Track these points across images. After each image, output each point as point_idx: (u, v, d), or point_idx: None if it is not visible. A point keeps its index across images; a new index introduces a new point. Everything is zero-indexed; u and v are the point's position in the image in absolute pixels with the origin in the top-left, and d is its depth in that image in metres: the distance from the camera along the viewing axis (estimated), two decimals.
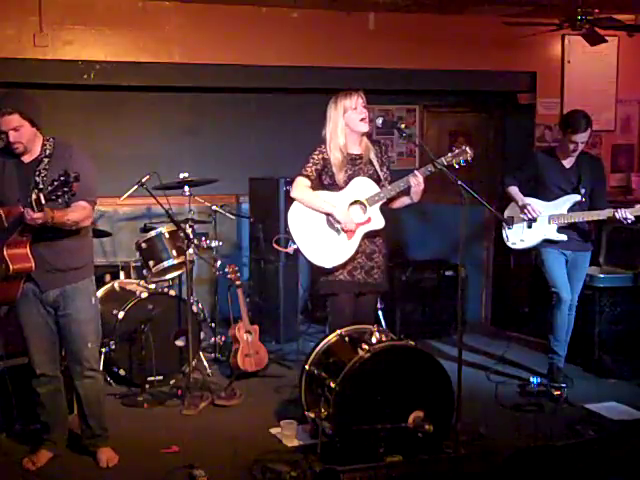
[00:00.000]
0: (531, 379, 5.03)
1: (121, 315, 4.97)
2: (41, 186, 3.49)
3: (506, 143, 7.50)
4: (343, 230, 4.28)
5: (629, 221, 4.79)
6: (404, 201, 4.38)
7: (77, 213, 3.58)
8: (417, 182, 4.21)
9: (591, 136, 5.03)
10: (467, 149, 4.16)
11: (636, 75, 7.27)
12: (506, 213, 5.15)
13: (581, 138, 4.85)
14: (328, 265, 4.34)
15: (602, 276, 5.46)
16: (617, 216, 4.77)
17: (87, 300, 3.79)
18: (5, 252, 3.48)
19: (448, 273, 6.44)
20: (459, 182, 3.99)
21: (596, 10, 5.42)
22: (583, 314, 5.30)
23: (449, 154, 4.17)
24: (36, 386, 3.85)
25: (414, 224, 7.07)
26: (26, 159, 3.66)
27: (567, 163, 5.02)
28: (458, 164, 4.15)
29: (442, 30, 6.65)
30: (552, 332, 5.10)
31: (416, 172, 4.24)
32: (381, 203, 4.30)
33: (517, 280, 6.51)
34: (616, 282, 5.46)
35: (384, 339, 4.01)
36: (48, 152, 3.65)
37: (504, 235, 5.13)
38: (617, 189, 7.27)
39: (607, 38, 5.86)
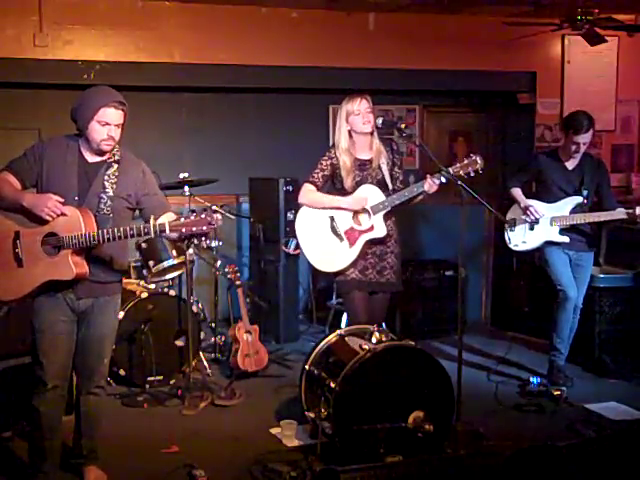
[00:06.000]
0: (531, 379, 5.03)
1: (121, 315, 4.96)
2: (110, 193, 3.42)
3: (506, 143, 7.50)
4: (360, 211, 4.30)
5: None
6: (418, 198, 4.38)
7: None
8: (432, 187, 4.21)
9: (594, 136, 5.02)
10: (477, 159, 4.13)
11: (636, 75, 7.27)
12: (509, 215, 5.15)
13: (583, 139, 4.85)
14: (328, 270, 4.41)
15: (602, 276, 5.46)
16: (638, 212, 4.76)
17: (114, 315, 3.65)
18: (70, 257, 3.33)
19: (448, 273, 6.44)
20: (459, 182, 4.00)
21: (596, 10, 5.43)
22: (583, 314, 5.30)
23: (458, 164, 4.15)
24: (40, 403, 3.53)
25: (414, 224, 7.07)
26: (90, 158, 3.50)
27: (570, 165, 5.01)
28: (467, 175, 4.13)
29: (442, 30, 6.65)
30: (555, 330, 5.10)
31: (429, 180, 4.20)
32: (385, 212, 4.32)
33: (517, 280, 6.51)
34: (616, 282, 5.46)
35: (384, 339, 4.01)
36: (117, 158, 3.52)
37: (506, 237, 5.11)
38: (617, 189, 7.27)
39: (607, 38, 5.86)
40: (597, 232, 5.81)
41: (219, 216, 3.21)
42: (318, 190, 4.41)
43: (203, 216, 3.18)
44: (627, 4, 6.37)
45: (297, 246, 4.54)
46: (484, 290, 6.95)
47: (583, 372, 5.41)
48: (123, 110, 3.49)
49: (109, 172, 3.48)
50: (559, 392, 4.78)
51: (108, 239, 3.31)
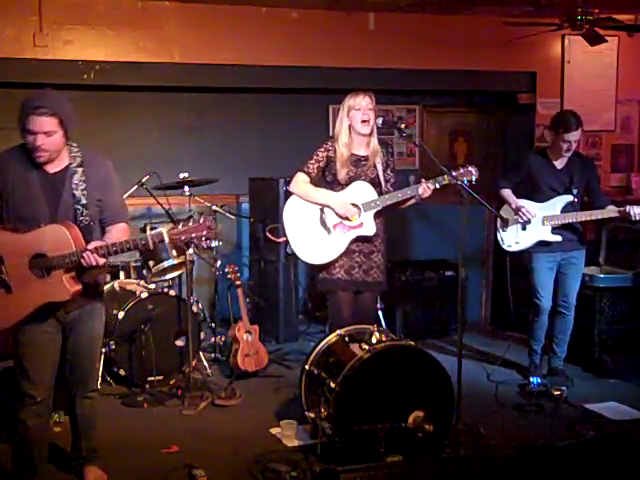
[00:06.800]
0: (531, 379, 5.03)
1: (121, 315, 4.97)
2: (83, 201, 3.27)
3: (506, 143, 7.51)
4: (344, 218, 4.30)
5: (638, 217, 4.78)
6: (410, 202, 4.40)
7: (125, 238, 3.35)
8: (425, 191, 4.24)
9: (583, 135, 5.06)
10: (472, 170, 4.16)
11: (636, 75, 7.27)
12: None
13: (574, 137, 4.88)
14: (313, 262, 4.39)
15: (602, 276, 5.47)
16: (631, 213, 4.76)
17: (100, 319, 3.59)
18: (63, 277, 3.20)
19: (448, 273, 6.44)
20: (459, 182, 4.00)
21: (596, 10, 5.43)
22: (583, 314, 5.31)
23: (454, 173, 4.17)
24: (27, 416, 3.44)
25: (414, 224, 7.07)
26: (50, 169, 3.29)
27: (559, 164, 5.04)
28: (461, 183, 4.14)
29: (442, 30, 6.66)
30: (532, 337, 5.18)
31: (424, 185, 4.24)
32: (376, 210, 4.32)
33: (517, 280, 6.50)
34: (616, 282, 5.46)
35: (384, 339, 4.01)
36: (79, 161, 3.31)
37: (499, 238, 5.15)
38: (617, 189, 7.28)
39: (607, 38, 5.86)
40: (597, 232, 5.82)
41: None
42: (311, 180, 4.39)
43: (202, 221, 3.14)
44: (627, 4, 6.37)
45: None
46: (484, 290, 6.95)
47: (583, 372, 5.41)
48: (49, 115, 3.15)
49: (75, 179, 3.29)
50: (559, 392, 4.78)
51: (103, 255, 3.18)
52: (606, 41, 5.86)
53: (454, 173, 4.17)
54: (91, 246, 3.17)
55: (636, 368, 5.30)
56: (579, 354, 5.44)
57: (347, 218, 4.32)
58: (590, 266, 5.63)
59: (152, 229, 5.42)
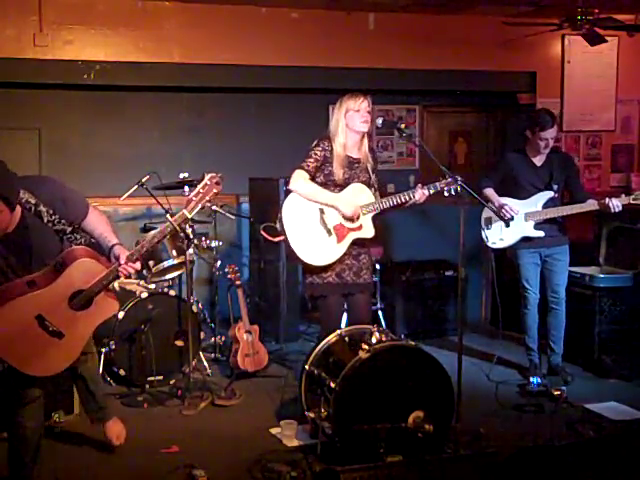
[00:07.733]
0: (531, 379, 5.03)
1: (121, 315, 4.97)
2: (69, 229, 3.25)
3: (506, 143, 7.51)
4: (349, 219, 4.29)
5: (617, 209, 4.81)
6: (405, 205, 4.40)
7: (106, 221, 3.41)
8: (422, 197, 4.27)
9: (558, 132, 5.12)
10: (458, 179, 4.17)
11: (636, 75, 7.28)
12: (483, 214, 5.20)
13: (551, 134, 4.95)
14: (314, 263, 4.33)
15: (602, 276, 5.47)
16: (610, 205, 4.80)
17: None
18: (105, 295, 3.25)
19: (448, 273, 6.45)
20: (459, 182, 4.00)
21: (596, 10, 5.44)
22: (583, 314, 5.31)
23: (443, 180, 4.19)
24: (27, 419, 3.41)
25: (414, 224, 7.07)
26: (9, 228, 3.14)
27: (538, 161, 5.09)
28: (449, 192, 4.16)
29: (442, 30, 6.66)
30: (526, 332, 5.21)
31: (421, 190, 4.26)
32: (374, 213, 4.32)
33: (517, 280, 6.51)
34: (616, 282, 5.46)
35: (384, 339, 4.01)
36: (33, 201, 3.15)
37: (483, 235, 5.18)
38: (617, 189, 7.28)
39: (607, 38, 5.87)
40: (597, 231, 5.83)
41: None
42: (310, 178, 4.35)
43: (208, 182, 3.20)
44: (627, 4, 6.37)
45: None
46: (484, 290, 6.95)
47: (583, 372, 5.41)
48: None
49: (46, 219, 3.20)
50: (559, 392, 4.78)
51: (137, 259, 3.24)
52: (606, 41, 5.87)
53: (444, 181, 4.17)
54: (123, 259, 3.21)
55: (636, 368, 5.30)
56: (579, 354, 5.44)
57: (352, 219, 4.31)
58: (590, 266, 5.64)
59: (152, 229, 5.45)
